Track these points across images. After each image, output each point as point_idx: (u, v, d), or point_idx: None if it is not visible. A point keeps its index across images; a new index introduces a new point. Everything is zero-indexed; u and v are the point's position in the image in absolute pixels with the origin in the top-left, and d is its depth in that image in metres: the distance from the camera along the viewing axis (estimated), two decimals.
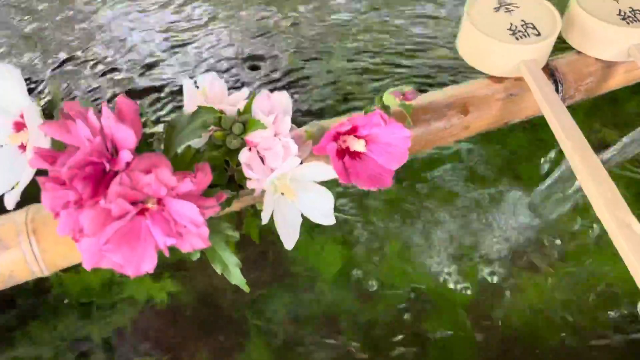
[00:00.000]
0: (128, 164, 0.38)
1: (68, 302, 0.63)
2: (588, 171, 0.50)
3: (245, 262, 0.47)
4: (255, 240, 0.56)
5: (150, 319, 0.66)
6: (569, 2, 0.65)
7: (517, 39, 0.60)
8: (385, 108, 0.48)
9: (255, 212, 0.57)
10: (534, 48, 0.60)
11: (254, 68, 1.10)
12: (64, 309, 0.63)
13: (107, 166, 0.38)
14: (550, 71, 0.62)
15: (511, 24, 0.61)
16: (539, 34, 0.61)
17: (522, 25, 0.61)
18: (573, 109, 0.73)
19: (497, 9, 0.63)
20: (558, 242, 0.85)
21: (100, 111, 0.40)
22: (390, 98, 0.47)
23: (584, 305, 0.79)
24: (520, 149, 0.95)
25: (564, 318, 0.75)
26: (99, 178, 0.39)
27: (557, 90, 0.62)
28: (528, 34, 0.61)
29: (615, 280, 0.82)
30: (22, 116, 0.43)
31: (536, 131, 0.94)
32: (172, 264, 0.62)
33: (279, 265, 0.73)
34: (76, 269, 0.60)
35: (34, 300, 0.63)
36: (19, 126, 0.44)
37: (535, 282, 0.82)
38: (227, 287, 0.69)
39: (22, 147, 0.43)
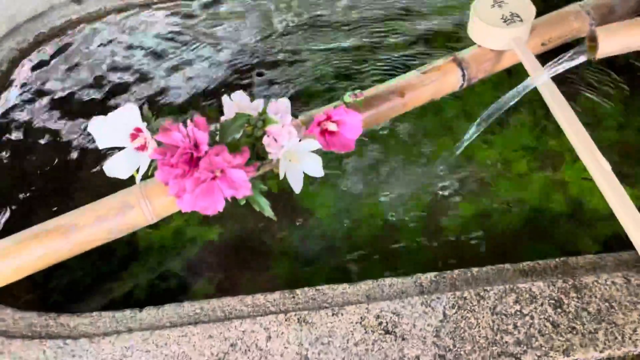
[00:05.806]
0: (205, 152, 0.70)
1: (152, 247, 0.95)
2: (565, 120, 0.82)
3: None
4: (274, 190, 0.88)
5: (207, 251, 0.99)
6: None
7: (507, 24, 0.93)
8: (347, 103, 0.79)
9: (273, 174, 0.89)
10: (519, 29, 0.93)
11: None
12: (150, 251, 0.96)
13: (195, 154, 0.70)
14: (458, 62, 0.93)
15: (503, 15, 0.94)
16: (521, 20, 0.93)
17: (510, 15, 0.94)
18: (483, 82, 1.05)
19: (493, 6, 0.95)
20: None
21: (185, 123, 0.71)
22: (348, 98, 0.78)
23: None
24: None
25: None
26: (189, 160, 0.70)
27: (463, 75, 0.92)
28: (514, 21, 0.93)
29: None
30: (136, 130, 0.74)
31: None
32: (219, 218, 0.94)
33: (291, 206, 1.04)
34: (156, 225, 0.92)
35: (131, 248, 0.96)
36: (134, 136, 0.75)
37: None
38: (255, 229, 1.01)
39: (138, 148, 0.75)
